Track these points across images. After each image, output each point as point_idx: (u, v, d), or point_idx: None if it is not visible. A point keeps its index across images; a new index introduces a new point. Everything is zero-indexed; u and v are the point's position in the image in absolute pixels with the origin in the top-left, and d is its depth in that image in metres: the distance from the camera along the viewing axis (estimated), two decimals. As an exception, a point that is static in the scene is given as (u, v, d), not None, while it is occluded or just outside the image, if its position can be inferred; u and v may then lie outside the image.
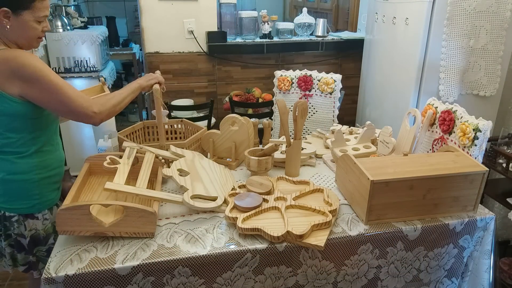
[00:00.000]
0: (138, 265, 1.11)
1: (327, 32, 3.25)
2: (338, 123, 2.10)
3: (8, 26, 1.27)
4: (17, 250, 1.43)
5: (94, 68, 3.04)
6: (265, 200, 1.36)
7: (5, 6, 1.24)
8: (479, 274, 1.45)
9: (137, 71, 3.97)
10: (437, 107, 1.63)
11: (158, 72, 1.62)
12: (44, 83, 1.25)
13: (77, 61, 2.99)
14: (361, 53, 2.90)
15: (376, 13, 2.59)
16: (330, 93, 2.14)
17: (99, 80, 1.90)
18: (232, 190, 1.44)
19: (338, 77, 2.14)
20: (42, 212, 1.42)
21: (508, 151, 1.99)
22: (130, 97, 1.47)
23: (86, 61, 3.01)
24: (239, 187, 1.47)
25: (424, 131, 1.66)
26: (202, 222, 1.30)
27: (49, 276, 1.06)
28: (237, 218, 1.24)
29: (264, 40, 3.02)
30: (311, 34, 3.21)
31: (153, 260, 1.12)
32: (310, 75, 2.18)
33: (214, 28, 2.93)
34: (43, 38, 1.43)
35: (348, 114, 3.19)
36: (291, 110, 1.59)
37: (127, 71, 4.22)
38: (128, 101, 1.47)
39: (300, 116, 1.53)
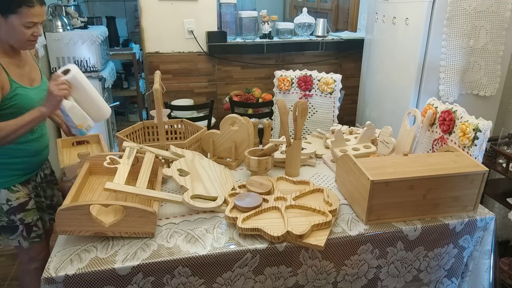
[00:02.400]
0: (138, 265, 1.11)
1: (327, 32, 3.25)
2: (338, 123, 2.10)
3: None
4: None
5: (94, 68, 3.04)
6: (265, 200, 1.36)
7: None
8: (479, 274, 1.45)
9: (137, 71, 3.97)
10: (437, 107, 1.63)
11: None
12: None
13: (77, 61, 2.99)
14: (361, 53, 2.90)
15: (376, 13, 2.59)
16: (330, 93, 2.14)
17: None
18: (232, 190, 1.44)
19: (338, 77, 2.14)
20: None
21: (508, 151, 1.99)
22: (27, 128, 1.41)
23: (86, 61, 3.01)
24: (239, 187, 1.47)
25: (424, 131, 1.66)
26: (202, 222, 1.30)
27: (49, 276, 1.06)
28: (237, 218, 1.24)
29: (264, 40, 3.02)
30: (311, 34, 3.21)
31: (153, 260, 1.12)
32: (310, 75, 2.18)
33: (214, 28, 2.93)
34: (38, 40, 1.48)
35: (348, 114, 3.19)
36: (291, 110, 1.59)
37: (127, 71, 4.21)
38: (25, 131, 1.41)
39: (300, 116, 1.53)
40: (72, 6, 3.24)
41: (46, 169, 1.75)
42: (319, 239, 1.20)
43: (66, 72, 1.46)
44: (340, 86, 2.15)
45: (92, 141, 1.81)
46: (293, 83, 2.20)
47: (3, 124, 1.39)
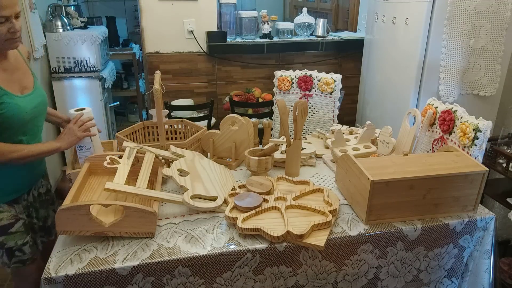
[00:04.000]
0: (138, 265, 1.11)
1: (327, 32, 3.25)
2: (338, 123, 2.10)
3: None
4: None
5: (94, 68, 3.04)
6: (265, 200, 1.36)
7: None
8: (479, 274, 1.45)
9: (137, 71, 3.98)
10: (437, 107, 1.63)
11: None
12: None
13: (77, 61, 2.99)
14: (361, 53, 2.90)
15: (376, 13, 2.59)
16: (330, 93, 2.14)
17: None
18: (232, 190, 1.44)
19: (338, 77, 2.14)
20: None
21: (508, 151, 1.99)
22: (40, 157, 1.45)
23: (86, 61, 3.01)
24: (239, 187, 1.47)
25: (424, 131, 1.66)
26: (202, 222, 1.30)
27: (49, 276, 1.06)
28: (237, 218, 1.24)
29: (264, 40, 3.02)
30: (311, 34, 3.21)
31: (153, 260, 1.12)
32: (310, 75, 2.18)
33: (214, 28, 2.93)
34: (19, 40, 1.36)
35: (348, 114, 3.19)
36: (291, 110, 1.59)
37: (127, 71, 4.22)
38: (36, 159, 1.45)
39: (300, 116, 1.53)
40: (72, 6, 3.24)
41: (41, 187, 1.62)
42: (319, 239, 1.20)
43: (79, 110, 1.57)
44: (340, 86, 2.15)
45: (107, 147, 1.80)
46: (293, 83, 2.20)
47: (20, 146, 1.37)
